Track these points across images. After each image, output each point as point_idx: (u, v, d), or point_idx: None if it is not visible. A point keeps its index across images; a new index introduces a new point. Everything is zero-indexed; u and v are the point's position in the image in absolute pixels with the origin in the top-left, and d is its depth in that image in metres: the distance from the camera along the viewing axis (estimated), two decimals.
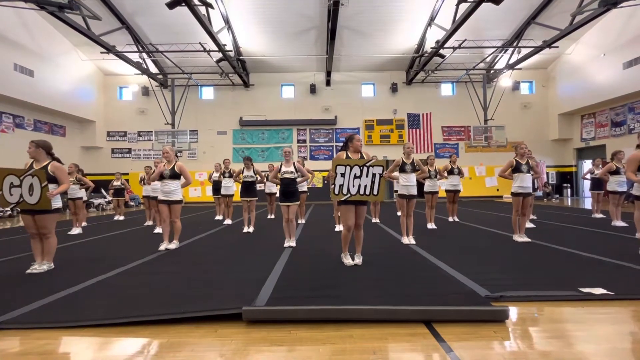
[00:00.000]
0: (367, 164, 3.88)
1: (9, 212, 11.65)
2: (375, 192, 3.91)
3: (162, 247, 5.20)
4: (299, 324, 2.47)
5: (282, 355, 2.09)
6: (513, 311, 2.65)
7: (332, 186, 3.93)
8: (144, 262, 4.46)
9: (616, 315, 2.62)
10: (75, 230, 7.41)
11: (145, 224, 8.71)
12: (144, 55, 15.81)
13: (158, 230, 7.11)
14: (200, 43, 14.09)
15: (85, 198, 8.22)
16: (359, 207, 4.05)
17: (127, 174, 17.78)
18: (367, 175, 3.88)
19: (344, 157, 4.18)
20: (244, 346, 2.20)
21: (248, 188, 7.27)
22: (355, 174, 3.88)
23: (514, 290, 3.02)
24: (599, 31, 14.97)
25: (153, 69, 17.27)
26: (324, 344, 2.21)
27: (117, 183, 10.09)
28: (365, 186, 3.89)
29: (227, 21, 14.33)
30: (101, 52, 14.43)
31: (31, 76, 13.62)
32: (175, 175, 5.22)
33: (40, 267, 4.00)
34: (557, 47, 14.68)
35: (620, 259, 4.06)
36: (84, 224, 8.38)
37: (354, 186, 3.88)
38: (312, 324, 2.48)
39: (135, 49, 15.05)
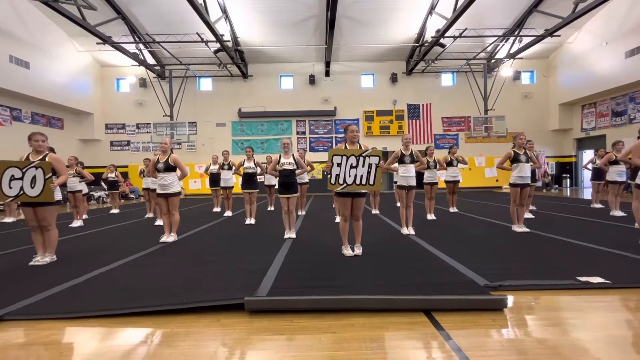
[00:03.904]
0: (364, 154, 3.89)
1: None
2: (371, 182, 3.92)
3: (163, 239, 5.23)
4: (301, 314, 2.51)
5: (284, 344, 2.12)
6: (511, 300, 2.68)
7: (329, 176, 3.94)
8: (146, 254, 4.49)
9: (613, 303, 2.65)
10: (76, 223, 7.44)
11: (146, 216, 8.74)
12: (141, 46, 15.60)
13: (159, 222, 7.14)
14: (197, 33, 13.89)
15: (85, 191, 8.22)
16: (356, 199, 4.06)
17: (126, 166, 17.77)
18: (363, 165, 3.89)
19: (343, 148, 4.18)
20: (247, 335, 2.24)
21: (249, 180, 7.27)
22: (352, 164, 3.89)
23: (513, 279, 3.05)
24: (602, 19, 14.78)
25: (150, 60, 17.08)
26: (325, 333, 2.24)
27: (111, 175, 10.01)
28: (362, 176, 3.90)
29: (224, 10, 14.11)
30: (97, 43, 14.25)
31: (27, 68, 13.47)
32: (169, 168, 5.20)
33: (42, 259, 4.03)
34: (559, 35, 14.53)
35: (618, 248, 4.10)
36: (84, 216, 8.40)
37: (350, 176, 3.90)
38: (313, 313, 2.52)
39: (132, 40, 14.84)
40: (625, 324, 2.33)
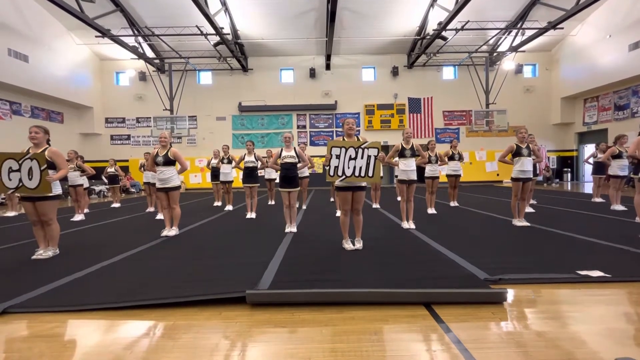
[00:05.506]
0: (362, 146, 3.88)
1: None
2: (370, 174, 3.92)
3: (164, 233, 5.25)
4: (302, 307, 2.52)
5: (285, 337, 2.14)
6: (511, 293, 2.70)
7: (327, 168, 3.93)
8: (147, 247, 4.51)
9: (612, 296, 2.67)
10: (78, 217, 7.47)
11: (147, 210, 8.76)
12: (140, 39, 15.48)
13: (160, 216, 7.16)
14: (197, 26, 13.77)
15: (86, 185, 8.23)
16: (357, 192, 4.06)
17: (127, 160, 17.77)
18: (362, 157, 3.89)
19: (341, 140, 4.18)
20: (248, 328, 2.26)
21: (250, 174, 7.26)
22: (351, 155, 3.89)
23: (513, 273, 3.06)
24: (606, 11, 14.60)
25: (150, 53, 16.96)
26: (326, 326, 2.26)
27: (110, 170, 10.03)
28: (360, 168, 3.90)
29: (223, 3, 13.96)
30: (96, 36, 14.14)
31: (26, 61, 13.39)
32: (169, 162, 5.18)
33: (45, 253, 4.05)
34: (562, 28, 14.37)
35: (618, 242, 4.11)
36: (86, 210, 8.42)
37: (349, 168, 3.90)
38: (314, 306, 2.53)
39: (131, 33, 14.72)
40: (624, 317, 2.34)
